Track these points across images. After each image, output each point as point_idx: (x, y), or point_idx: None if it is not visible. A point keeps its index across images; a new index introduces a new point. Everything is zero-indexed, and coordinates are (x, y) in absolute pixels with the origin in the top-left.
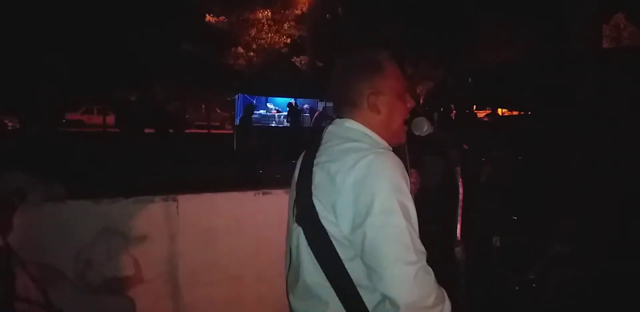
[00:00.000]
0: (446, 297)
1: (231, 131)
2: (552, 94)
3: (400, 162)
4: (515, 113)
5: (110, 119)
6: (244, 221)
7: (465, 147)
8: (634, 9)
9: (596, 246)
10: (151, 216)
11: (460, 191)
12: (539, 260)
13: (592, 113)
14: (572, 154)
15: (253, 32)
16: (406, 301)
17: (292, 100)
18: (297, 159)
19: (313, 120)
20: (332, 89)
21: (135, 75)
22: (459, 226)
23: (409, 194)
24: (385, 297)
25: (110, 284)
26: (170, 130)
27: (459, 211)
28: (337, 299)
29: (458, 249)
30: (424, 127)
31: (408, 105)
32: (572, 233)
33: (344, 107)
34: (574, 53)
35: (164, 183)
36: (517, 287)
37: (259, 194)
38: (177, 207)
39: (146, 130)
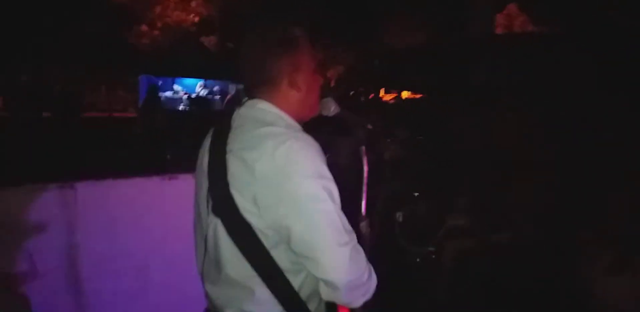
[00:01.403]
0: (372, 269)
1: (135, 114)
2: (448, 78)
3: (318, 145)
4: (417, 96)
5: None
6: (150, 207)
7: (370, 127)
8: None
9: (486, 218)
10: (46, 205)
11: (365, 169)
12: (438, 232)
13: (483, 95)
14: (465, 134)
15: (158, 9)
16: (344, 281)
17: (195, 93)
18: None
19: (225, 103)
20: (245, 67)
21: (25, 53)
22: (364, 202)
23: (330, 176)
24: (309, 277)
25: (2, 280)
26: (68, 114)
27: (364, 188)
28: (263, 285)
29: (363, 224)
30: (330, 108)
31: (321, 82)
32: (466, 207)
33: (260, 87)
34: (467, 39)
35: (60, 170)
36: (418, 259)
37: (165, 179)
38: (76, 195)
39: (44, 114)
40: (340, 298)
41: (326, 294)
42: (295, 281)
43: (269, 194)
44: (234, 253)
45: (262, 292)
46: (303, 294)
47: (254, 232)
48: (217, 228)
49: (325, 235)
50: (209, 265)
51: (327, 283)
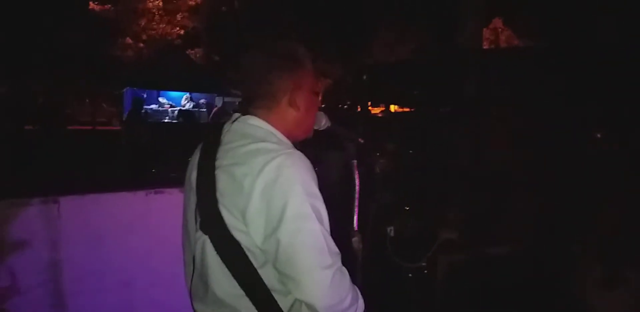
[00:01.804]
0: (359, 295)
1: (119, 127)
2: (437, 91)
3: (309, 162)
4: (406, 109)
5: None
6: (135, 222)
7: (361, 140)
8: (510, 14)
9: (478, 232)
10: (28, 220)
11: (357, 183)
12: (430, 247)
13: (472, 108)
14: (454, 147)
15: (143, 22)
16: (324, 305)
17: (181, 107)
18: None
19: (211, 116)
20: (245, 82)
21: (6, 64)
22: (355, 217)
23: (320, 195)
24: (300, 301)
25: None
26: (51, 127)
27: (356, 203)
28: (250, 305)
29: (355, 239)
30: (322, 122)
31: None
32: (459, 221)
33: (258, 102)
34: (457, 53)
35: (43, 184)
36: (410, 274)
37: (150, 193)
38: (59, 209)
39: (26, 127)
40: None
41: None
42: (284, 302)
43: (256, 211)
44: (221, 271)
45: (250, 310)
46: None
47: (242, 250)
48: (205, 245)
49: (307, 256)
50: (197, 283)
51: (307, 305)
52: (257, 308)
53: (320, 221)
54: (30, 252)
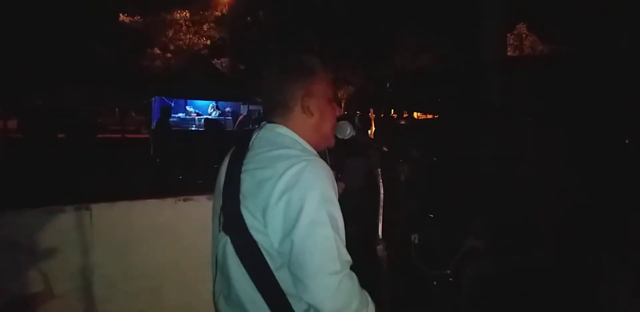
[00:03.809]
0: (369, 300)
1: (147, 136)
2: (462, 98)
3: (330, 169)
4: (429, 116)
5: (12, 123)
6: (164, 229)
7: (386, 149)
8: (535, 19)
9: (505, 240)
10: (62, 227)
11: (381, 191)
12: (455, 255)
13: (497, 116)
14: (480, 155)
15: (170, 33)
16: (329, 309)
17: (208, 116)
18: (219, 164)
19: (237, 124)
20: (264, 91)
21: (41, 77)
22: (380, 225)
23: (337, 202)
24: (310, 306)
25: (17, 302)
26: (82, 136)
27: (381, 211)
28: (267, 307)
29: (380, 247)
30: (346, 131)
31: (337, 113)
32: (484, 229)
33: (276, 110)
34: (481, 61)
35: (76, 192)
36: (435, 282)
37: (179, 200)
38: (91, 217)
39: (58, 136)
40: None
41: None
42: (299, 307)
43: (275, 212)
44: (240, 272)
45: None
46: None
47: (260, 252)
48: (227, 246)
49: (316, 260)
50: (220, 284)
51: (314, 308)
52: (270, 309)
53: (334, 228)
54: (63, 258)
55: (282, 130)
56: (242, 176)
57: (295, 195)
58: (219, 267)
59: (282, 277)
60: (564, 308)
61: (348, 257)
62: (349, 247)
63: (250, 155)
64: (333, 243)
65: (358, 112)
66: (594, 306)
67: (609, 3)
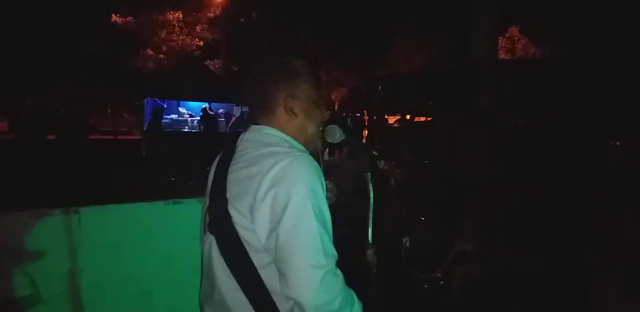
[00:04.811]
0: (355, 299)
1: (139, 137)
2: (453, 101)
3: (317, 165)
4: (421, 119)
5: (2, 124)
6: (154, 232)
7: (375, 153)
8: (527, 22)
9: (495, 243)
10: (50, 230)
11: (371, 195)
12: (445, 258)
13: (488, 118)
14: (471, 157)
15: (163, 33)
16: (311, 305)
17: (206, 105)
18: (211, 166)
19: (230, 125)
20: (248, 93)
21: (32, 77)
22: (370, 230)
23: (325, 198)
24: (295, 302)
25: (4, 305)
26: (73, 137)
27: (370, 215)
28: (251, 307)
29: (370, 252)
30: (336, 135)
31: (324, 115)
32: (474, 232)
33: (259, 112)
34: (472, 63)
35: (64, 194)
36: (425, 285)
37: (169, 203)
38: (79, 220)
39: (49, 137)
40: None
41: None
42: (284, 307)
43: (262, 208)
44: (225, 273)
45: None
46: None
47: (244, 249)
48: (212, 246)
49: (300, 253)
50: (206, 285)
51: (296, 303)
52: (254, 308)
53: (321, 222)
54: (51, 261)
55: (269, 130)
56: (229, 176)
57: (282, 190)
58: (204, 269)
59: (268, 276)
60: (554, 310)
61: (334, 252)
62: (341, 251)
63: (237, 156)
64: (318, 237)
65: (350, 114)
66: (583, 307)
67: (601, 6)
